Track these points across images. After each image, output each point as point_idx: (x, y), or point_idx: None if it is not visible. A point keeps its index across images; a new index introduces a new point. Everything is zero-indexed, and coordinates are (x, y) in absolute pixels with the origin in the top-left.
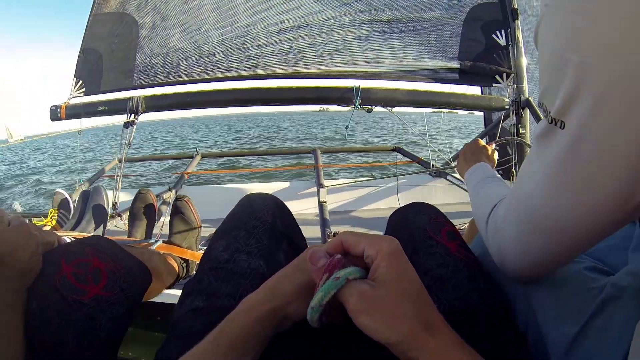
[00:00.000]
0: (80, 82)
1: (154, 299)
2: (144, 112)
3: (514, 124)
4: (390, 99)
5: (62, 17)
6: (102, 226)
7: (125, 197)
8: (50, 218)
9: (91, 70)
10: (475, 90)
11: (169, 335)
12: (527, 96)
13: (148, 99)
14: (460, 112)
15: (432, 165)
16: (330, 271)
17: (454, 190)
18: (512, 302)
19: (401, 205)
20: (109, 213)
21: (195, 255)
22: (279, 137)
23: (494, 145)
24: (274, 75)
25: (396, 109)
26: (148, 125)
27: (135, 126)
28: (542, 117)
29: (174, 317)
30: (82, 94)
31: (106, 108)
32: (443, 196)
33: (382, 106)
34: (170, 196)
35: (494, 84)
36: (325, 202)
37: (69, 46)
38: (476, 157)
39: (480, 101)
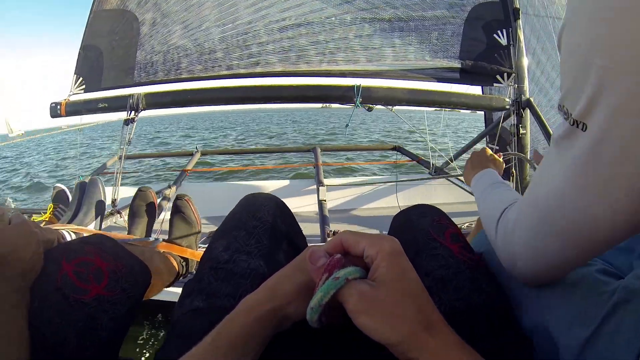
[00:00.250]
0: (81, 79)
1: (153, 298)
2: (144, 109)
3: (514, 124)
4: (391, 98)
5: (63, 14)
6: (99, 219)
7: (124, 194)
8: (49, 213)
9: (91, 67)
10: (476, 90)
11: (169, 334)
12: (528, 96)
13: (148, 96)
14: (461, 110)
15: (432, 164)
16: (330, 271)
17: (454, 189)
18: (519, 304)
19: (400, 204)
20: (108, 210)
21: (195, 254)
22: (282, 134)
23: (502, 156)
24: (275, 73)
25: (397, 108)
26: (147, 122)
27: (135, 123)
28: (562, 119)
29: (174, 316)
30: (82, 91)
31: (106, 105)
32: (443, 196)
33: (383, 105)
34: (170, 193)
35: (495, 84)
36: (325, 200)
37: (70, 45)
38: (483, 165)
39: (481, 101)
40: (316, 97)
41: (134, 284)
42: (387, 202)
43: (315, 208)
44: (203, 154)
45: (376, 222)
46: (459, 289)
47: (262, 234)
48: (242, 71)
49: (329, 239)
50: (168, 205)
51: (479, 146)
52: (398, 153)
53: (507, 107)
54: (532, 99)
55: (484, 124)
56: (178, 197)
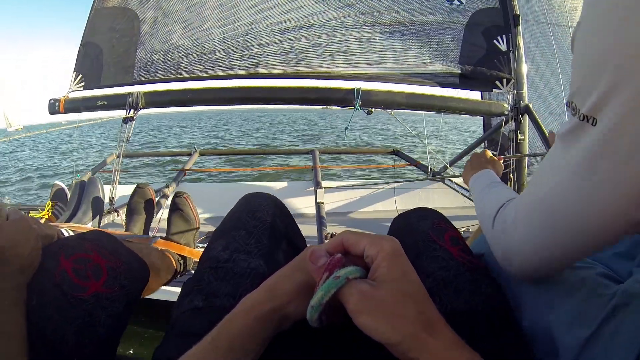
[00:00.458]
0: (80, 76)
1: (152, 296)
2: (143, 107)
3: (512, 130)
4: (390, 102)
5: (64, 9)
6: (97, 218)
7: (122, 193)
8: (47, 211)
9: (91, 65)
10: (475, 95)
11: (168, 333)
12: (527, 102)
13: (148, 94)
14: (461, 114)
15: (430, 169)
16: (331, 270)
17: (452, 194)
18: (519, 305)
19: (398, 209)
20: (106, 207)
21: (193, 253)
22: (282, 133)
23: (502, 160)
24: (275, 74)
25: (396, 112)
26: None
27: (134, 122)
28: (570, 115)
29: (173, 315)
30: (81, 88)
31: (105, 103)
32: (441, 200)
33: (382, 108)
34: (168, 191)
35: (494, 90)
36: (323, 202)
37: (70, 40)
38: (482, 166)
39: (479, 106)
40: (316, 99)
41: (132, 280)
42: (385, 205)
43: (313, 210)
44: (201, 154)
45: (374, 225)
46: (459, 291)
47: (261, 233)
48: (242, 72)
49: (326, 241)
50: (166, 203)
51: (477, 150)
52: (396, 157)
53: (506, 112)
54: (530, 105)
55: (482, 126)
56: (177, 195)
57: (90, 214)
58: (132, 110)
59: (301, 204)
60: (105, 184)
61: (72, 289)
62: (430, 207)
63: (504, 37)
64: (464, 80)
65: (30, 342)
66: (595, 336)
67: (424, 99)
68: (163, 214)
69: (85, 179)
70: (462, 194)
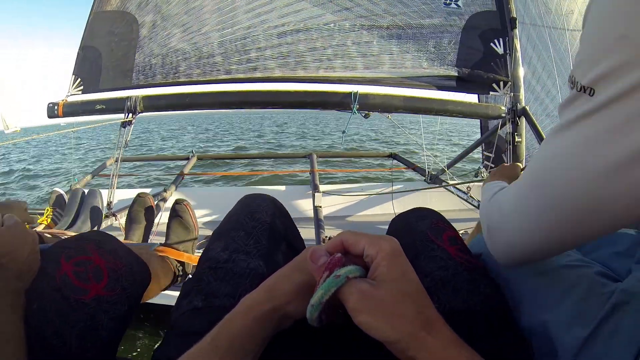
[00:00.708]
0: (79, 80)
1: (151, 300)
2: (141, 112)
3: (510, 132)
4: (387, 105)
5: (63, 11)
6: (96, 228)
7: (120, 197)
8: (46, 216)
9: (90, 69)
10: (472, 98)
11: (168, 334)
12: (524, 105)
13: (146, 98)
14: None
15: (428, 172)
16: (331, 269)
17: (450, 197)
18: (518, 304)
19: (396, 212)
20: (104, 211)
21: (192, 258)
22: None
23: None
24: (273, 78)
25: (393, 115)
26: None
27: (132, 126)
28: (569, 89)
29: (173, 316)
30: (80, 92)
31: (104, 107)
32: (438, 203)
33: (380, 112)
34: (167, 195)
35: (491, 92)
36: (321, 206)
37: (70, 41)
38: (507, 177)
39: (477, 109)
40: (314, 103)
41: (134, 282)
42: (383, 209)
43: (311, 214)
44: (199, 158)
45: (371, 228)
46: (457, 290)
47: (260, 234)
48: (240, 76)
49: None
50: (165, 206)
51: (476, 155)
52: (394, 160)
53: (503, 115)
54: (527, 108)
55: (479, 127)
56: (177, 202)
57: (89, 223)
58: (130, 114)
59: (299, 208)
60: (103, 188)
61: (73, 292)
62: None
63: (501, 40)
64: (461, 83)
65: (30, 346)
66: (594, 335)
67: (421, 102)
68: (162, 217)
69: (82, 183)
70: (460, 196)
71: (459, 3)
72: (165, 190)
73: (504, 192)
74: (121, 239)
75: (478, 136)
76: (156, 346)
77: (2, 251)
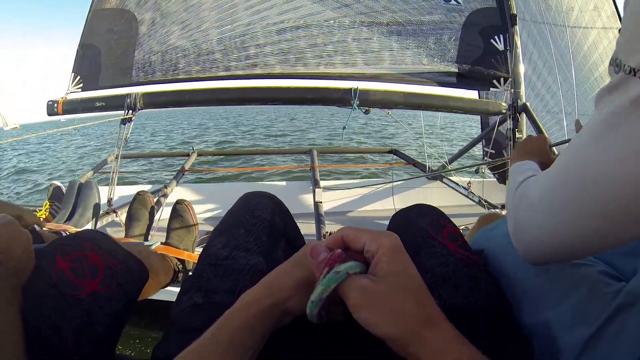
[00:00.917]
0: (78, 77)
1: (151, 298)
2: (141, 109)
3: (510, 128)
4: (387, 101)
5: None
6: (94, 220)
7: (120, 193)
8: (44, 210)
9: (89, 66)
10: (472, 94)
11: (168, 331)
12: (524, 101)
13: (146, 95)
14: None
15: (428, 167)
16: (331, 265)
17: (450, 192)
18: (520, 302)
19: (396, 207)
20: (104, 208)
21: (192, 256)
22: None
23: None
24: (273, 75)
25: (394, 111)
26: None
27: (132, 123)
28: (613, 73)
29: (173, 313)
30: (79, 90)
31: (104, 104)
32: (439, 198)
33: (380, 108)
34: (168, 191)
35: (491, 89)
36: (321, 202)
37: (70, 40)
38: (535, 154)
39: (477, 105)
40: (314, 99)
41: (130, 279)
42: (383, 204)
43: (312, 210)
44: (199, 154)
45: (372, 224)
46: (458, 287)
47: (260, 231)
48: (239, 72)
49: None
50: (165, 201)
51: (477, 152)
52: (394, 156)
53: (504, 111)
54: (528, 104)
55: (479, 122)
56: (178, 202)
57: (88, 217)
58: (130, 111)
59: (299, 204)
60: (104, 185)
61: (69, 288)
62: None
63: (501, 36)
64: (462, 80)
65: (27, 343)
66: (597, 336)
67: (421, 99)
68: (162, 214)
69: (83, 180)
70: (460, 192)
71: (459, 0)
72: (166, 187)
73: (534, 182)
74: (121, 235)
75: (478, 132)
76: (156, 343)
77: None
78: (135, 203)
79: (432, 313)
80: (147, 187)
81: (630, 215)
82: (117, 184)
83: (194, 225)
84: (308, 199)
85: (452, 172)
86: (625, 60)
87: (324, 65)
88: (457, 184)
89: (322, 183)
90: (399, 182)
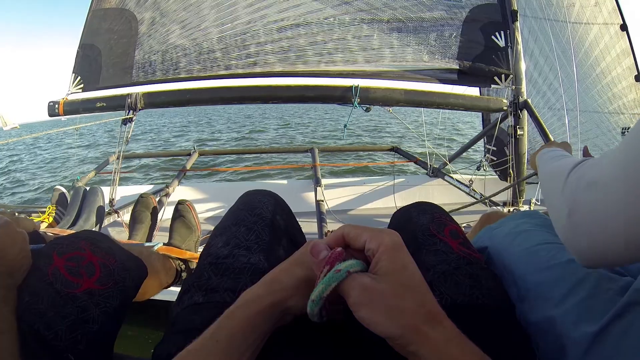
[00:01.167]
0: (79, 78)
1: (152, 297)
2: (142, 108)
3: (511, 125)
4: (388, 99)
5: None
6: (98, 226)
7: (122, 194)
8: (48, 215)
9: (90, 67)
10: (473, 91)
11: (168, 330)
12: (525, 98)
13: (147, 95)
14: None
15: (430, 165)
16: (332, 264)
17: (452, 190)
18: (524, 298)
19: (398, 205)
20: (106, 208)
21: (194, 256)
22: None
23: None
24: (273, 73)
25: (395, 108)
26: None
27: (133, 123)
28: None
29: (173, 312)
30: (80, 90)
31: (104, 104)
32: (440, 196)
33: (381, 105)
34: (170, 190)
35: (492, 85)
36: (323, 200)
37: (71, 38)
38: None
39: (478, 102)
40: (314, 97)
41: (127, 277)
42: (385, 202)
43: (314, 208)
44: (201, 154)
45: (374, 222)
46: (459, 284)
47: (261, 229)
48: (240, 71)
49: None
50: (168, 200)
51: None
52: (396, 154)
53: (505, 108)
54: (529, 101)
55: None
56: (180, 202)
57: (92, 222)
58: (131, 111)
59: (301, 202)
60: (106, 185)
61: (64, 286)
62: None
63: (502, 33)
64: (463, 77)
65: (23, 340)
66: (604, 333)
67: (422, 96)
68: (164, 213)
69: (85, 181)
70: (462, 189)
71: None
72: (167, 186)
73: (595, 164)
74: (124, 236)
75: (480, 129)
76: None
77: None
78: (139, 205)
79: (433, 311)
80: (149, 187)
81: None
82: (119, 184)
83: (196, 225)
84: (310, 197)
85: (453, 169)
86: None
87: (325, 63)
88: (458, 181)
89: (324, 181)
90: (400, 180)
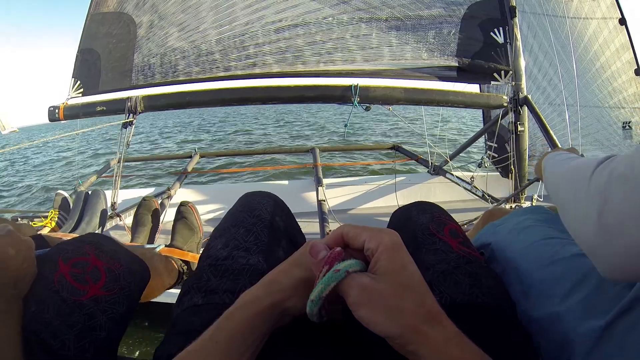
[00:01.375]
0: (79, 82)
1: (153, 300)
2: (142, 112)
3: (512, 122)
4: (388, 97)
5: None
6: (101, 229)
7: (124, 197)
8: (50, 219)
9: (89, 71)
10: (473, 88)
11: (169, 332)
12: (526, 94)
13: (146, 98)
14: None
15: (431, 163)
16: (331, 263)
17: (453, 188)
18: (527, 294)
19: (399, 203)
20: (108, 212)
21: (196, 258)
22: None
23: None
24: (272, 74)
25: (395, 107)
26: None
27: (133, 126)
28: None
29: (174, 314)
30: (80, 95)
31: (104, 108)
32: (442, 194)
33: (381, 104)
34: (172, 193)
35: (492, 82)
36: (324, 200)
37: (69, 43)
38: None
39: (478, 99)
40: (314, 97)
41: (132, 282)
42: (386, 201)
43: (315, 208)
44: (202, 156)
45: (376, 221)
46: (459, 283)
47: (260, 231)
48: (239, 72)
49: None
50: (170, 203)
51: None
52: (397, 152)
53: (505, 104)
54: (529, 97)
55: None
56: (182, 204)
57: (94, 225)
58: (131, 115)
59: (303, 202)
60: (107, 189)
61: (70, 293)
62: (432, 201)
63: (501, 29)
64: (462, 74)
65: (29, 350)
66: (610, 328)
67: (422, 94)
68: (166, 216)
69: (86, 185)
70: (463, 187)
71: None
72: (169, 189)
73: (623, 160)
74: (126, 239)
75: (479, 117)
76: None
77: None
78: (141, 209)
79: (432, 311)
80: (150, 190)
81: None
82: (121, 188)
83: (199, 226)
84: (311, 197)
85: (455, 167)
86: None
87: (324, 62)
88: (460, 178)
89: (325, 181)
90: (401, 178)
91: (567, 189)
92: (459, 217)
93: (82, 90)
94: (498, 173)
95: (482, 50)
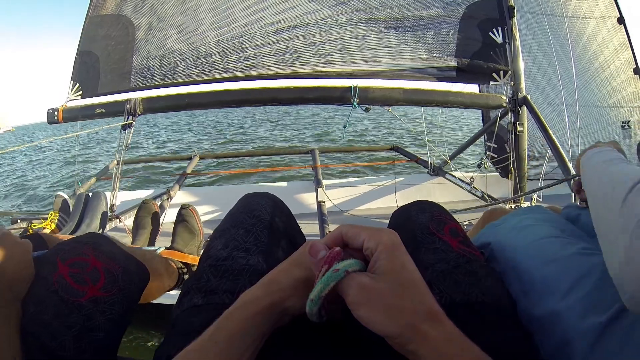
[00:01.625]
0: (77, 85)
1: (153, 301)
2: (141, 114)
3: (511, 122)
4: (388, 98)
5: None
6: (101, 231)
7: (123, 199)
8: (50, 221)
9: (88, 73)
10: (473, 88)
11: (169, 332)
12: (525, 94)
13: (145, 100)
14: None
15: (431, 164)
16: (330, 263)
17: (453, 188)
18: (528, 293)
19: (399, 204)
20: (107, 216)
21: (197, 260)
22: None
23: None
24: (271, 75)
25: (395, 108)
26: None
27: (132, 128)
28: None
29: (174, 315)
30: (79, 97)
31: (104, 110)
32: (442, 195)
33: (380, 105)
34: (172, 194)
35: (491, 82)
36: (324, 201)
37: (68, 43)
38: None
39: (477, 99)
40: (313, 98)
41: (131, 283)
42: (386, 202)
43: (315, 209)
44: (201, 157)
45: (376, 222)
46: (458, 283)
47: (260, 231)
48: (238, 74)
49: None
50: (170, 204)
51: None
52: (396, 153)
53: (504, 105)
54: (528, 97)
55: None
56: (183, 207)
57: (94, 227)
58: (130, 117)
59: (303, 204)
60: (107, 190)
61: (69, 294)
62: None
63: (500, 29)
64: (461, 74)
65: (28, 351)
66: (611, 325)
67: (421, 94)
68: (166, 217)
69: (86, 187)
70: (463, 187)
71: None
72: (169, 191)
73: None
74: (126, 241)
75: (479, 118)
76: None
77: None
78: (141, 211)
79: (432, 310)
80: (150, 192)
81: None
82: (121, 190)
83: (199, 229)
84: (311, 198)
85: (454, 167)
86: None
87: (323, 64)
88: (459, 179)
89: (325, 182)
90: (401, 179)
91: (602, 199)
92: (458, 218)
93: (81, 92)
94: (497, 173)
95: (481, 50)
